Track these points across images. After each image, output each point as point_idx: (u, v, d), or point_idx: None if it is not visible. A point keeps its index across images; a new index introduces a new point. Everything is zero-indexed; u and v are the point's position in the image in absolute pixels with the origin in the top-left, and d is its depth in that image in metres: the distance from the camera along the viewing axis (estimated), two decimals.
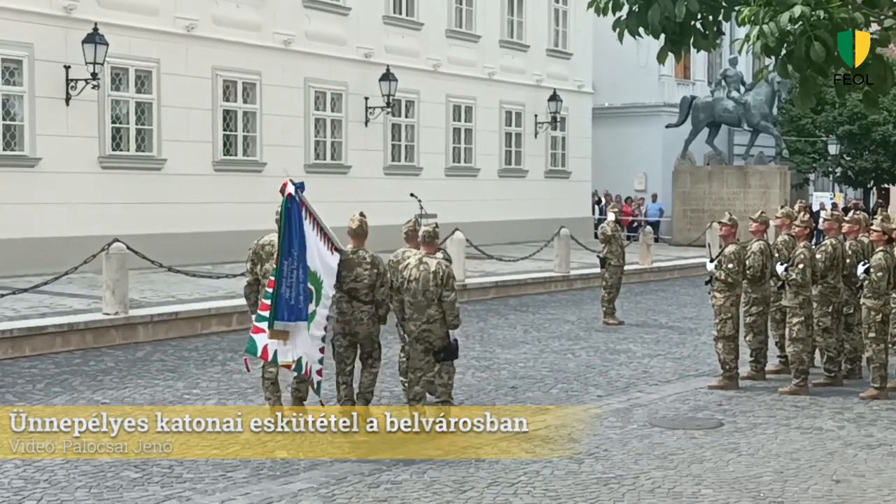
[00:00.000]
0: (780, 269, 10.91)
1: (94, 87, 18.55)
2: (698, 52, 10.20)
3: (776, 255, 11.41)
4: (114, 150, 19.69)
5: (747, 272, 11.12)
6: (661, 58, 9.76)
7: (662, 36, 9.39)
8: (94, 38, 18.23)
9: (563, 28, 32.10)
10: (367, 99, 24.63)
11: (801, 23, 8.07)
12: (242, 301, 15.13)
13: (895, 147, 37.92)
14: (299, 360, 8.56)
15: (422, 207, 18.81)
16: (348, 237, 9.08)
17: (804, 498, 7.16)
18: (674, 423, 9.33)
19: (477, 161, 28.64)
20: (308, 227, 8.48)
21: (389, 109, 24.85)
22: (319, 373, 8.75)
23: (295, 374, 8.83)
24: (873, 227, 10.92)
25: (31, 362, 11.94)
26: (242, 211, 21.63)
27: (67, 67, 18.53)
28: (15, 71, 18.21)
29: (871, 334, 10.57)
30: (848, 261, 11.28)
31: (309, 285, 8.47)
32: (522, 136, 30.39)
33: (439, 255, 9.20)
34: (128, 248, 13.87)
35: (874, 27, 9.42)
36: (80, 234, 17.97)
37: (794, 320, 10.79)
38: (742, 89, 32.78)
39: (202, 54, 21.03)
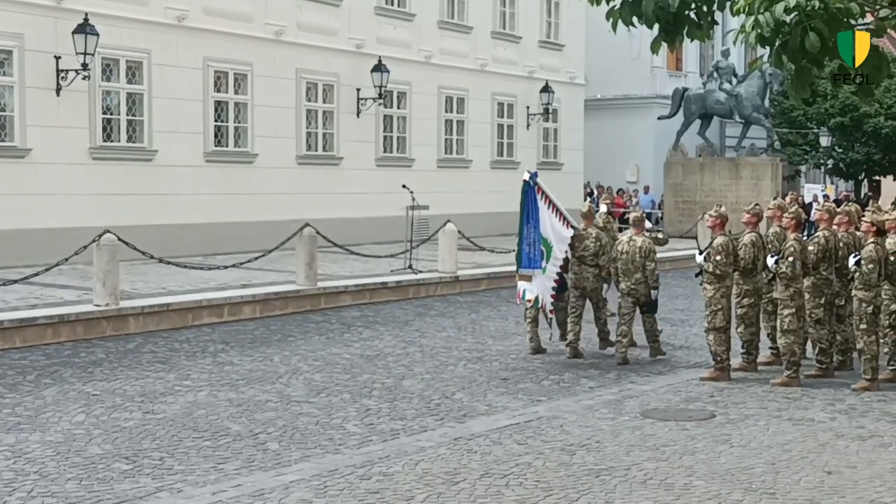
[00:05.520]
0: (770, 261, 10.89)
1: (84, 77, 18.46)
2: (692, 41, 10.17)
3: (768, 246, 11.40)
4: (104, 140, 19.62)
5: (739, 264, 11.11)
6: (654, 47, 9.73)
7: (656, 26, 9.36)
8: (85, 28, 18.13)
9: (556, 19, 32.05)
10: (358, 90, 24.58)
11: (796, 13, 8.04)
12: (233, 293, 15.35)
13: (886, 139, 37.96)
14: (537, 297, 11.83)
15: (414, 199, 18.77)
16: (580, 218, 12.37)
17: (796, 489, 7.15)
18: (665, 415, 9.32)
19: (469, 152, 28.60)
20: (543, 205, 11.86)
21: (381, 101, 24.78)
22: (552, 312, 12.27)
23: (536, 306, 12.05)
24: (864, 219, 10.90)
25: (22, 354, 11.89)
26: (234, 202, 21.62)
27: (58, 58, 18.44)
28: (5, 61, 18.12)
29: (863, 326, 10.55)
30: (840, 252, 11.27)
31: (541, 247, 11.84)
32: (514, 128, 30.36)
33: (645, 233, 12.20)
34: (119, 239, 13.82)
35: (868, 17, 9.39)
36: (71, 225, 17.91)
37: (786, 312, 10.78)
38: (734, 81, 32.68)
39: (193, 45, 20.94)
